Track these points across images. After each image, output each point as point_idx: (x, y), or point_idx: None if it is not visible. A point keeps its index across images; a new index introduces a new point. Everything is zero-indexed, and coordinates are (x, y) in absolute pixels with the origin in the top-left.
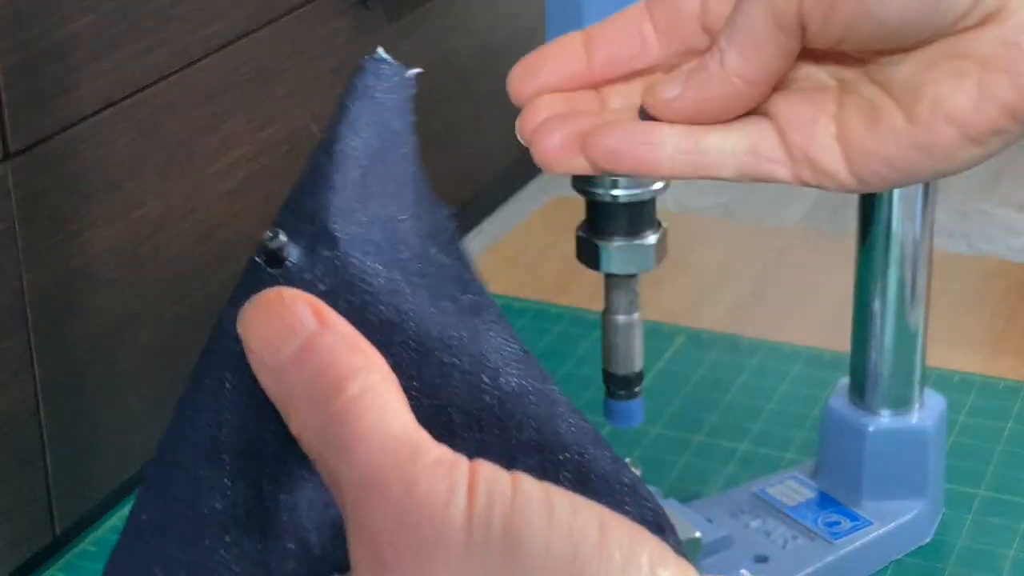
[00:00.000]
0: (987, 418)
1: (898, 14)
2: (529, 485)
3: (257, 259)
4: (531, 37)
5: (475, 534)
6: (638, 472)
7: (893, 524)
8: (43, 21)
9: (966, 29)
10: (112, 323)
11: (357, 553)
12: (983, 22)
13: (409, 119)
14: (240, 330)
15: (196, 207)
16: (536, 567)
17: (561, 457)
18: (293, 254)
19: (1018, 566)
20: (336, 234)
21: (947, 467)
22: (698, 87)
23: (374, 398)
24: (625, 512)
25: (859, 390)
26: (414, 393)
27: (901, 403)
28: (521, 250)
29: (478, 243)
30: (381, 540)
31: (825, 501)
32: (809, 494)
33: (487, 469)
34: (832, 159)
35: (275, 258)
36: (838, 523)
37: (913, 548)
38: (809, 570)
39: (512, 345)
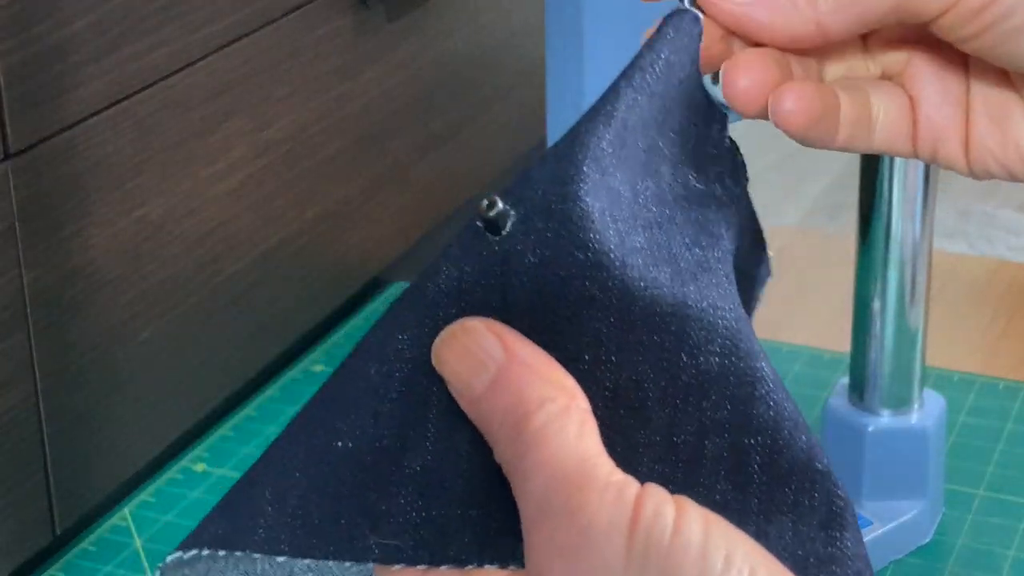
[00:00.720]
0: (987, 418)
1: None
2: (689, 526)
3: (478, 223)
4: (531, 37)
5: (631, 570)
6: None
7: (893, 524)
8: (44, 21)
9: None
10: (112, 323)
11: None
12: None
13: (695, 57)
14: (435, 363)
15: (196, 207)
16: None
17: (752, 441)
18: (508, 224)
19: (1018, 566)
20: (553, 206)
21: (947, 467)
22: (770, 8)
23: (555, 429)
24: (812, 502)
25: (859, 390)
26: (609, 369)
27: (901, 403)
28: None
29: None
30: (544, 568)
31: None
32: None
33: (651, 502)
34: (953, 148)
35: (493, 226)
36: None
37: (913, 548)
38: None
39: (725, 314)
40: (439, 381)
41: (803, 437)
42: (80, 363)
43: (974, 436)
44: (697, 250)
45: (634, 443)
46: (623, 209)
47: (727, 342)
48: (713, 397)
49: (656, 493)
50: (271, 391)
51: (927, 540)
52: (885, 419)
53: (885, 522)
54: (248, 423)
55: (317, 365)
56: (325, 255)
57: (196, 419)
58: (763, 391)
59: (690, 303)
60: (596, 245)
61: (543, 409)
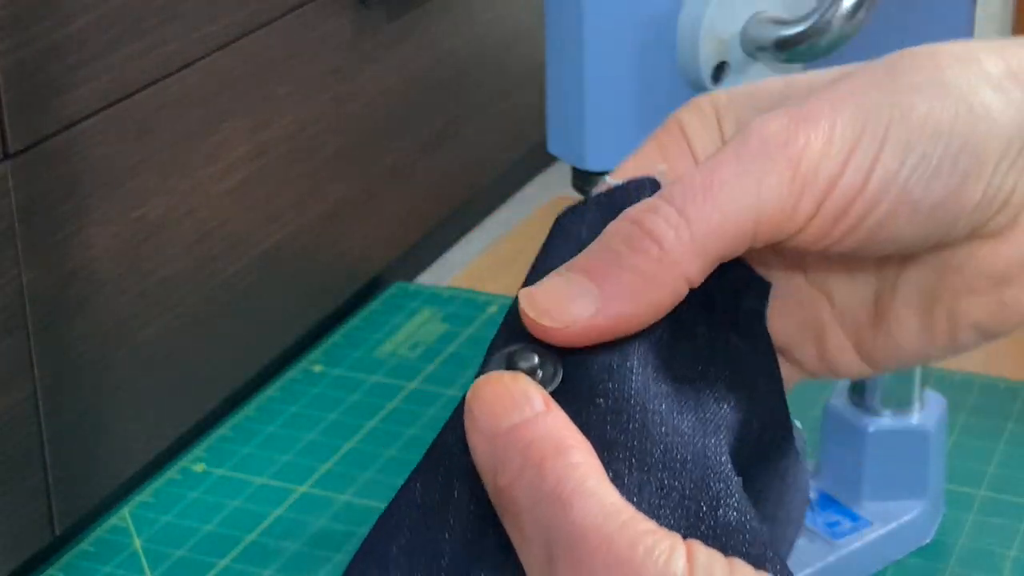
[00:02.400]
0: (987, 418)
1: (912, 236)
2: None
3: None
4: (531, 37)
5: None
6: (804, 435)
7: (893, 524)
8: (43, 21)
9: (979, 239)
10: (112, 323)
11: None
12: (994, 235)
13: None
14: (468, 396)
15: (196, 207)
16: None
17: None
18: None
19: (1019, 567)
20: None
21: (948, 467)
22: (631, 293)
23: (594, 470)
24: None
25: (859, 390)
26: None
27: (901, 403)
28: (521, 250)
29: (478, 243)
30: None
31: (825, 501)
32: (809, 494)
33: (703, 548)
34: (848, 359)
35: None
36: (838, 523)
37: (913, 548)
38: (809, 570)
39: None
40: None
41: None
42: (79, 363)
43: (975, 436)
44: (725, 406)
45: None
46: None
47: (745, 498)
48: (729, 552)
49: (704, 546)
50: (271, 391)
51: (928, 540)
52: (886, 419)
53: (885, 523)
54: (248, 423)
55: (317, 365)
56: (325, 255)
57: (195, 419)
58: (781, 552)
59: (710, 454)
60: (616, 393)
61: (580, 449)
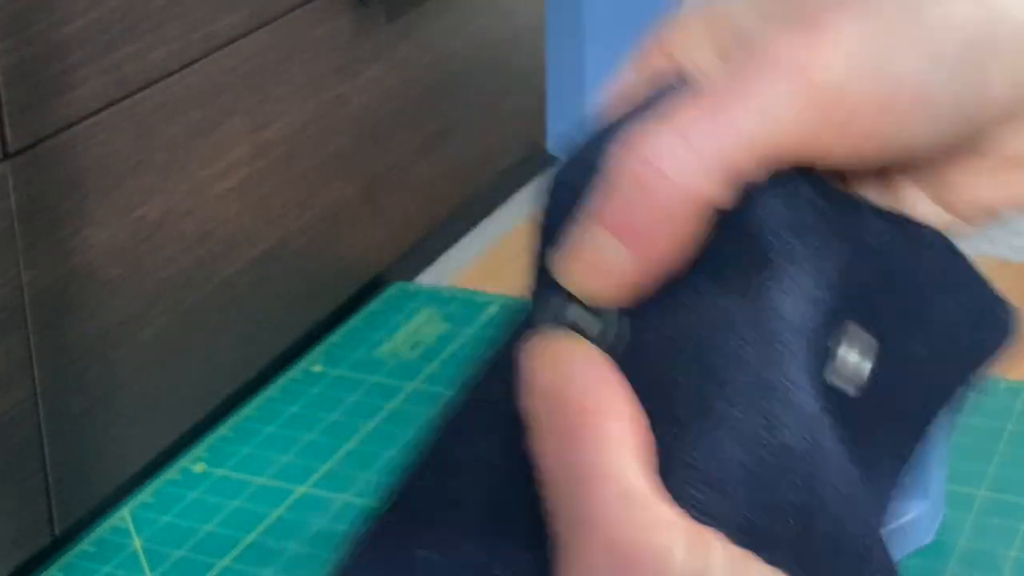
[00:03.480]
0: (987, 418)
1: (933, 138)
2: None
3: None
4: (531, 37)
5: None
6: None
7: (895, 524)
8: (43, 21)
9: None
10: (111, 322)
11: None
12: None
13: None
14: (525, 356)
15: (195, 207)
16: None
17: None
18: None
19: (1019, 566)
20: None
21: (948, 467)
22: (654, 234)
23: (627, 445)
24: None
25: None
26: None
27: None
28: (521, 250)
29: (478, 243)
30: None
31: None
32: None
33: (726, 545)
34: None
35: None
36: None
37: (915, 548)
38: None
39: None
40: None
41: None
42: (79, 363)
43: (975, 436)
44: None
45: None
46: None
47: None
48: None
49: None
50: (270, 391)
51: (928, 540)
52: None
53: (886, 523)
54: (247, 423)
55: (316, 365)
56: (325, 255)
57: (195, 419)
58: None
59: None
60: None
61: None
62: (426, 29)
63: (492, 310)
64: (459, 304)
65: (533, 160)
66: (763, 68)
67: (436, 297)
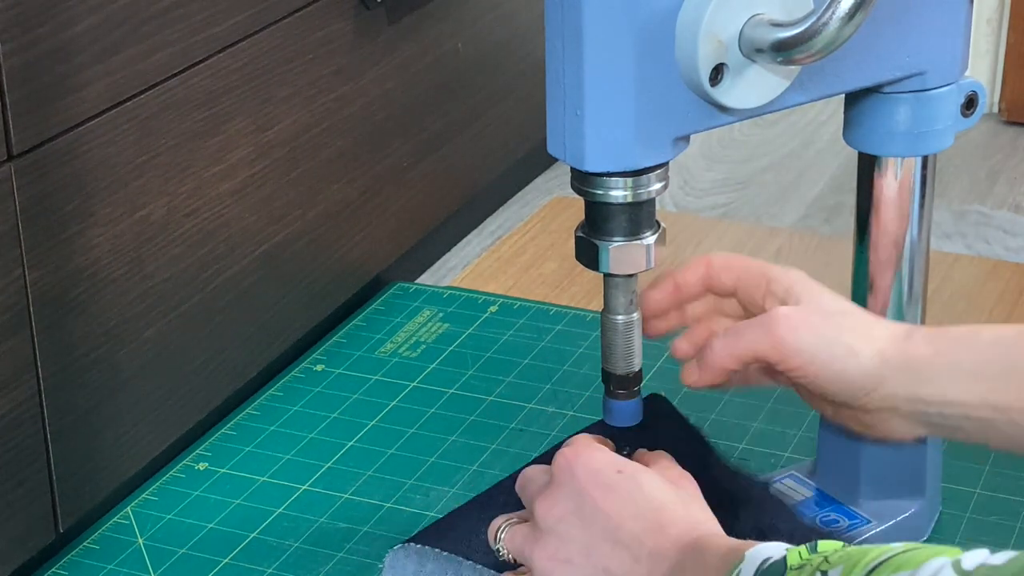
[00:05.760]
0: None
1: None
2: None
3: None
4: (531, 37)
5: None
6: None
7: (891, 522)
8: (46, 23)
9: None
10: (115, 322)
11: None
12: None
13: None
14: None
15: (198, 207)
16: None
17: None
18: None
19: None
20: None
21: (944, 466)
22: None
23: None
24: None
25: None
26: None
27: None
28: (521, 250)
29: (478, 243)
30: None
31: (823, 499)
32: (807, 493)
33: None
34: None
35: None
36: (836, 521)
37: None
38: None
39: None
40: None
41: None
42: (83, 362)
43: None
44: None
45: None
46: None
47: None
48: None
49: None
50: (273, 390)
51: (925, 538)
52: None
53: (883, 520)
54: (250, 422)
55: (318, 364)
56: (326, 255)
57: (198, 418)
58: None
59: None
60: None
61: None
62: (427, 31)
63: (492, 310)
64: (459, 304)
65: (533, 160)
66: (751, 325)
67: (436, 297)
